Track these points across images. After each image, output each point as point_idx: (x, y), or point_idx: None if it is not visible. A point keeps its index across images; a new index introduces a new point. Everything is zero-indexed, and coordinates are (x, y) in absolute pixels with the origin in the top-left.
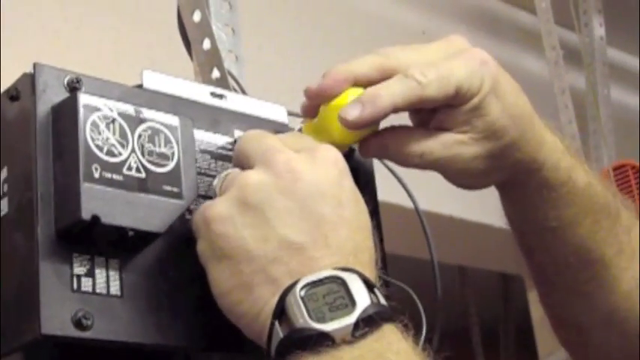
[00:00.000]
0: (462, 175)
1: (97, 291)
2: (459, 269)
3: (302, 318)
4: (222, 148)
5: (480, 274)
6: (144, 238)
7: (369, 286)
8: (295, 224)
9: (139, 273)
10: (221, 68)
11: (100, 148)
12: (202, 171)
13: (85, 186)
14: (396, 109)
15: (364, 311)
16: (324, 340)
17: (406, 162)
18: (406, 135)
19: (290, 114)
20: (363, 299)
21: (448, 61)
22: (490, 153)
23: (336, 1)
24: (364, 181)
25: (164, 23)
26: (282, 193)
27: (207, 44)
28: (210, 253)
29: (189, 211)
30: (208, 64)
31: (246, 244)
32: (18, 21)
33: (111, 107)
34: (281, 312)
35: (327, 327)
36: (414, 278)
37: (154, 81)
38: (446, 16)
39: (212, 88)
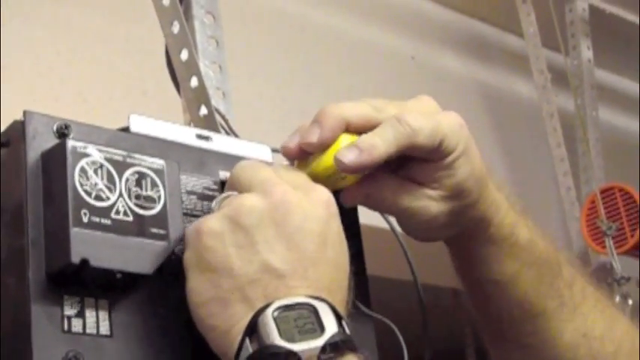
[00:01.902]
0: (420, 228)
1: (88, 331)
2: (452, 292)
3: (272, 336)
4: (208, 188)
5: None
6: (132, 279)
7: (338, 317)
8: (280, 253)
9: (128, 313)
10: (208, 105)
11: (89, 194)
12: (189, 212)
13: (75, 231)
14: (388, 158)
15: (332, 337)
16: (291, 358)
17: (376, 208)
18: (385, 184)
19: (274, 151)
20: (331, 326)
21: (433, 115)
22: (452, 211)
23: (324, 30)
24: (349, 218)
25: (155, 55)
26: (273, 222)
27: (194, 82)
28: (194, 263)
29: (174, 253)
30: (196, 101)
31: (230, 261)
32: (11, 55)
33: (98, 153)
34: (252, 330)
35: (296, 347)
36: (406, 301)
37: (140, 124)
38: (435, 42)
39: (198, 130)
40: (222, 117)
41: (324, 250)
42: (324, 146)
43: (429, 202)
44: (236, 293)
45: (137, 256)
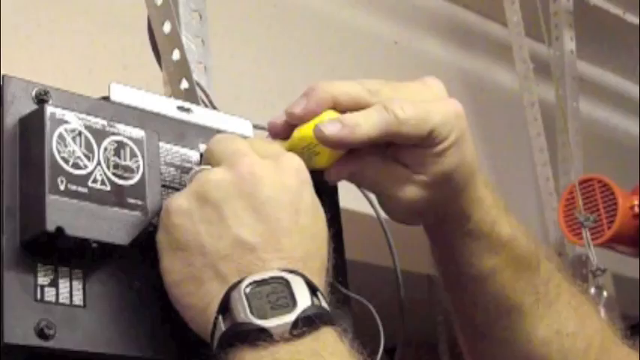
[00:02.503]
0: (399, 210)
1: (60, 301)
2: (427, 278)
3: (243, 313)
4: (187, 160)
5: None
6: (108, 249)
7: (313, 290)
8: (250, 225)
9: (102, 284)
10: (190, 79)
11: (66, 161)
12: (167, 183)
13: (51, 198)
14: (370, 141)
15: (304, 311)
16: (262, 335)
17: (359, 184)
18: (368, 163)
19: (255, 127)
20: (304, 300)
21: (427, 103)
22: (432, 199)
23: (309, 11)
24: (329, 200)
25: (137, 28)
26: (241, 194)
27: (176, 55)
28: (166, 243)
29: (151, 224)
30: (177, 74)
31: (200, 238)
32: None
33: (78, 120)
34: (225, 308)
35: (267, 323)
36: (383, 286)
37: (121, 94)
38: (418, 27)
39: (179, 102)
40: (204, 91)
41: (297, 219)
42: (306, 117)
43: (410, 186)
44: (209, 270)
45: (113, 226)
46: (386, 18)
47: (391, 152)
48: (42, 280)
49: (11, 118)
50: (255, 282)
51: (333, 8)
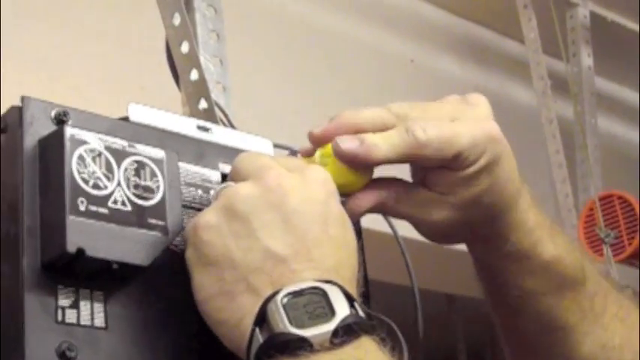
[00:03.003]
0: (428, 232)
1: (82, 323)
2: (446, 297)
3: (282, 324)
4: (207, 180)
5: (468, 301)
6: (129, 270)
7: (349, 299)
8: (280, 237)
9: (123, 305)
10: (208, 99)
11: (86, 182)
12: (187, 203)
13: (71, 219)
14: (388, 162)
15: (343, 320)
16: (303, 344)
17: (383, 213)
18: (391, 190)
19: (276, 146)
20: (342, 309)
21: (456, 124)
22: (464, 221)
23: (325, 31)
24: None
25: (153, 50)
26: (269, 206)
27: (194, 75)
28: (195, 259)
29: (174, 244)
30: (196, 94)
31: (230, 253)
32: (7, 49)
33: (97, 141)
34: (262, 319)
35: (306, 332)
36: (404, 306)
37: (139, 114)
38: (434, 45)
39: (198, 121)
40: (222, 111)
41: (326, 230)
42: (324, 139)
43: (437, 208)
44: (241, 284)
45: (134, 247)
46: (402, 36)
47: (419, 174)
48: (63, 301)
49: (31, 139)
50: (291, 293)
51: (348, 27)
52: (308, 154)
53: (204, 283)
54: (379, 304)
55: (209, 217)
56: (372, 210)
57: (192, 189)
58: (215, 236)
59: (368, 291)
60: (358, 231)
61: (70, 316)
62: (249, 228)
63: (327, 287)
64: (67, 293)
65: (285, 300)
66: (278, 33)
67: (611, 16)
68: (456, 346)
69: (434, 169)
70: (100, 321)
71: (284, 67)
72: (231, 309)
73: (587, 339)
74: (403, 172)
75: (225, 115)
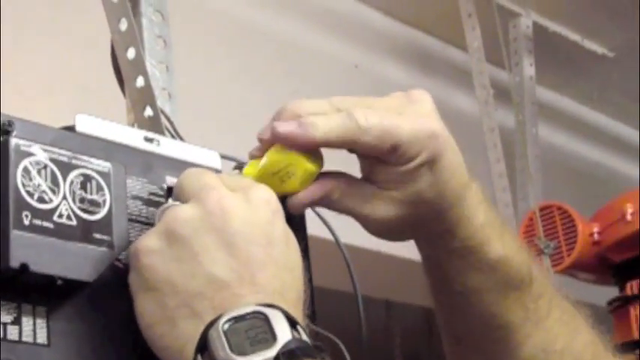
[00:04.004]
0: (373, 228)
1: (24, 339)
2: (385, 303)
3: (223, 351)
4: (154, 194)
5: (406, 308)
6: (73, 286)
7: (292, 323)
8: (222, 261)
9: (67, 321)
10: (154, 107)
11: (31, 195)
12: (134, 217)
13: (15, 233)
14: (328, 144)
15: (285, 345)
16: None
17: (328, 207)
18: (337, 183)
19: (224, 157)
20: (284, 334)
21: (398, 117)
22: (409, 216)
23: (271, 35)
24: (296, 224)
25: (98, 49)
26: (211, 229)
27: (140, 82)
28: (137, 284)
29: (119, 259)
30: (141, 101)
31: (172, 278)
32: None
33: (43, 153)
34: (204, 346)
35: (247, 359)
36: (342, 311)
37: (86, 124)
38: (379, 51)
39: (146, 133)
40: (168, 119)
41: (270, 251)
42: (275, 140)
43: (381, 203)
44: (183, 310)
45: (79, 263)
46: (347, 41)
47: (363, 171)
48: (5, 317)
49: None
50: (232, 318)
51: (293, 30)
52: (259, 156)
53: (146, 309)
54: (322, 311)
55: (150, 241)
56: (316, 203)
57: (138, 202)
58: (156, 261)
59: (314, 309)
60: (306, 245)
61: (12, 332)
62: (190, 252)
63: (269, 312)
64: (9, 309)
65: (226, 326)
66: (221, 35)
67: (553, 26)
68: (394, 352)
69: (377, 163)
70: (42, 337)
71: (227, 70)
72: (173, 335)
73: (528, 341)
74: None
75: (171, 123)
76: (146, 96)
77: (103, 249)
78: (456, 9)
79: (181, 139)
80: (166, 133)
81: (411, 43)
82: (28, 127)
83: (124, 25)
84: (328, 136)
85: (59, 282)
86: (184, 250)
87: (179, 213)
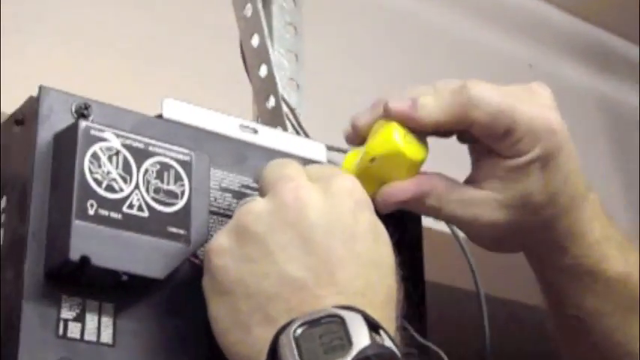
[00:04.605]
0: (477, 235)
1: (86, 338)
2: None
3: (292, 359)
4: (246, 186)
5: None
6: (142, 283)
7: (374, 327)
8: (298, 258)
9: (136, 320)
10: (276, 97)
11: (99, 183)
12: (222, 211)
13: (77, 224)
14: (438, 126)
15: (361, 352)
16: None
17: (424, 213)
18: (432, 186)
19: (330, 149)
20: (361, 339)
21: (515, 100)
22: (513, 224)
23: (439, 32)
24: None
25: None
26: (286, 224)
27: (263, 71)
28: (210, 287)
29: (196, 256)
30: (264, 91)
31: (244, 279)
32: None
33: (116, 138)
34: (275, 353)
35: None
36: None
37: (174, 110)
38: (554, 50)
39: (242, 121)
40: (292, 110)
41: (353, 246)
42: (366, 128)
43: (480, 209)
44: (256, 314)
45: (149, 258)
46: (520, 39)
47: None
48: (66, 313)
49: (46, 134)
50: (306, 322)
51: (463, 28)
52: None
53: (219, 315)
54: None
55: (221, 239)
56: (409, 204)
57: (227, 195)
58: (228, 261)
59: (424, 316)
60: (417, 233)
61: (73, 330)
62: (263, 251)
63: (346, 314)
64: (71, 305)
65: (299, 331)
66: (378, 29)
67: None
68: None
69: (486, 156)
70: (107, 336)
71: (384, 64)
72: (248, 342)
73: None
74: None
75: (294, 115)
76: (269, 85)
77: (178, 244)
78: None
79: (305, 133)
80: (288, 125)
81: (590, 41)
82: (108, 110)
83: (249, 12)
84: (439, 116)
85: (124, 278)
86: (257, 248)
87: (252, 208)
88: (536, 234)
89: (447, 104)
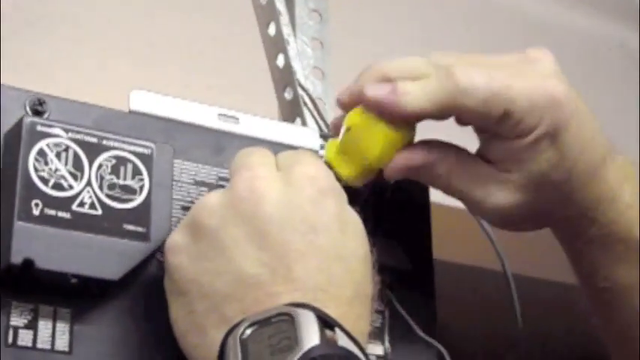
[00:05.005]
0: (487, 215)
1: (39, 346)
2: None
3: None
4: (224, 179)
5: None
6: (98, 285)
7: (328, 324)
8: (253, 254)
9: (95, 326)
10: (293, 88)
11: (45, 181)
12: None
13: (19, 225)
14: (423, 116)
15: (307, 353)
16: None
17: (432, 184)
18: (438, 156)
19: (322, 137)
20: (310, 339)
21: (508, 76)
22: (532, 203)
23: (519, 14)
24: (416, 216)
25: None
26: (240, 218)
27: (281, 60)
28: (169, 287)
29: (160, 253)
30: (281, 82)
31: (198, 278)
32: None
33: (65, 133)
34: (222, 357)
35: None
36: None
37: (142, 102)
38: None
39: (221, 110)
40: (312, 100)
41: (314, 239)
42: (352, 102)
43: (498, 188)
44: (212, 315)
45: (101, 258)
46: (609, 18)
47: (478, 148)
48: (16, 321)
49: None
50: (256, 322)
51: (543, 9)
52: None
53: (178, 316)
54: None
55: (177, 236)
56: (414, 172)
57: (203, 189)
58: (183, 259)
59: (433, 313)
60: (424, 206)
61: (24, 337)
62: (217, 247)
63: (297, 312)
64: (22, 311)
65: (248, 332)
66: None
67: None
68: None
69: (493, 137)
70: (62, 344)
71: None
72: (205, 345)
73: None
74: None
75: (315, 106)
76: (286, 75)
77: (136, 242)
78: None
79: (326, 124)
80: (308, 116)
81: None
82: (66, 106)
83: (264, 0)
84: (423, 106)
85: (74, 280)
86: (211, 244)
87: (207, 201)
88: (559, 209)
89: (431, 91)
